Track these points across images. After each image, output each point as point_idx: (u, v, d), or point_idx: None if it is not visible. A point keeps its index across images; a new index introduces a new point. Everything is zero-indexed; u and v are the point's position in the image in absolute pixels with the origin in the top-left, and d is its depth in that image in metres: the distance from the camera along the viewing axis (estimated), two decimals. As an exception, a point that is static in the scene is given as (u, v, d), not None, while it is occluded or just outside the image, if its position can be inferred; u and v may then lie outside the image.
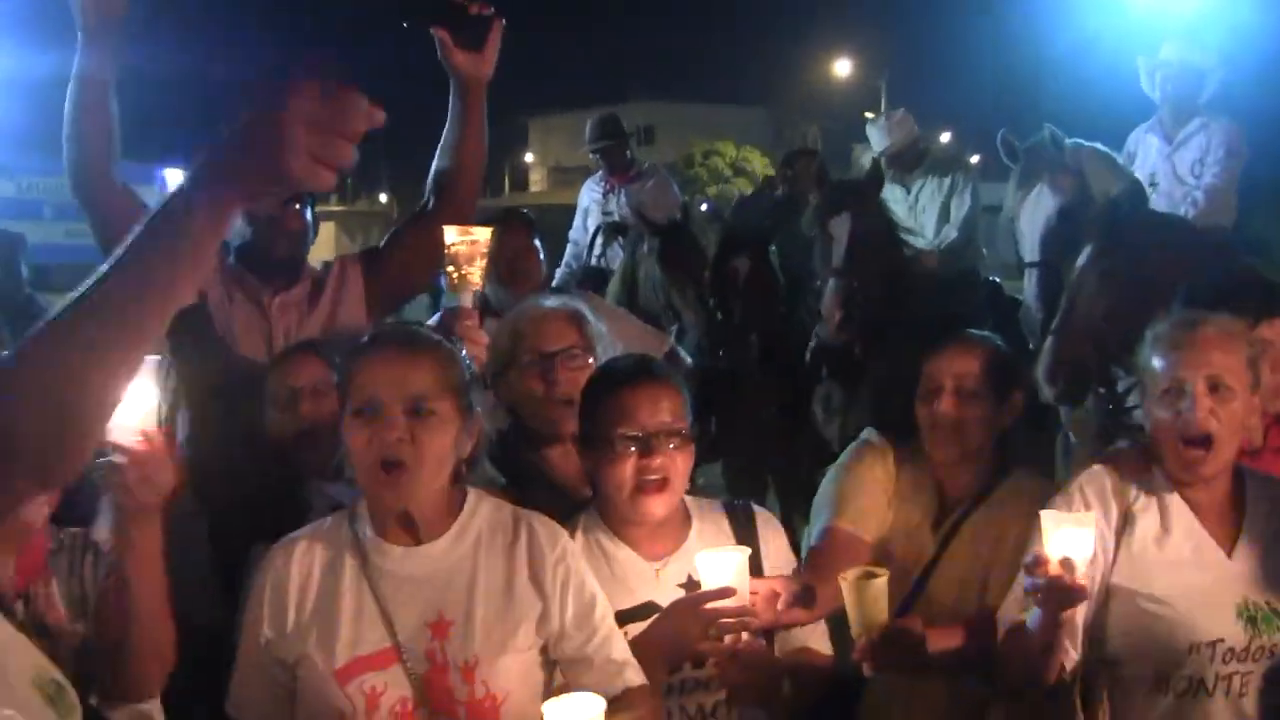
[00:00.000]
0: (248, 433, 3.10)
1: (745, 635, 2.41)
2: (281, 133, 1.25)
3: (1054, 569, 2.22)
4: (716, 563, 2.37)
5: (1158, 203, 5.56)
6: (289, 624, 2.21)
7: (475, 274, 2.93)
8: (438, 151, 3.43)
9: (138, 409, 1.99)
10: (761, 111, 53.97)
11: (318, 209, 3.67)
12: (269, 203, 3.35)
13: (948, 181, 6.66)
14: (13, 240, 6.42)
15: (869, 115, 7.97)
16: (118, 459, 1.96)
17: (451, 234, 2.93)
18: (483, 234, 2.94)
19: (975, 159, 8.53)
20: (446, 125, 3.41)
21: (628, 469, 2.44)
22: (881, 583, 2.43)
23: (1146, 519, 2.54)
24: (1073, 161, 4.92)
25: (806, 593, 2.53)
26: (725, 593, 2.33)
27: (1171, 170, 5.88)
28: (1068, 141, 4.97)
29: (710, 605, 2.34)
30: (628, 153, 7.58)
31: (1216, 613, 2.45)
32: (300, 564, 2.24)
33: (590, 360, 2.98)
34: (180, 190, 1.31)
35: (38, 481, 1.41)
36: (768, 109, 54.21)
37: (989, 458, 2.90)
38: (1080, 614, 2.45)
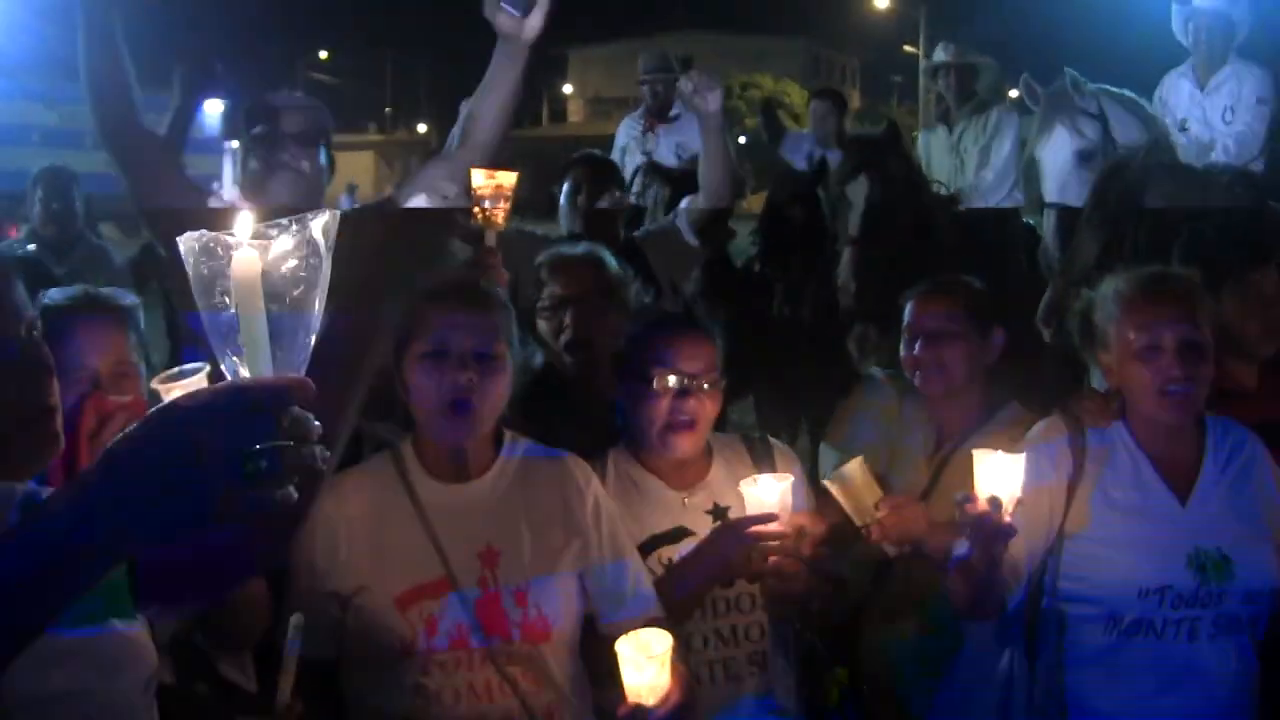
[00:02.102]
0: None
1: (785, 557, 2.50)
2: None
3: (980, 506, 2.25)
4: (761, 489, 2.50)
5: (1188, 148, 5.61)
6: (341, 557, 2.30)
7: (499, 214, 3.10)
8: (475, 92, 3.40)
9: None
10: (800, 43, 53.41)
11: (358, 139, 3.66)
12: (278, 148, 3.31)
13: (990, 125, 6.67)
14: (69, 175, 6.49)
15: (908, 49, 7.97)
16: None
17: (478, 176, 3.08)
18: (506, 178, 3.09)
19: (1014, 93, 8.55)
20: (489, 68, 3.40)
21: (662, 408, 2.60)
22: (858, 464, 2.58)
23: (1102, 469, 2.59)
24: (1094, 106, 5.00)
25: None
26: (769, 518, 2.46)
27: (1203, 115, 5.90)
28: (1090, 87, 5.03)
29: (754, 529, 2.47)
30: (671, 94, 7.53)
31: (1167, 561, 2.51)
32: (349, 501, 2.33)
33: (609, 304, 3.12)
34: None
35: None
36: (806, 40, 53.65)
37: (979, 393, 3.00)
38: (1021, 553, 2.48)
